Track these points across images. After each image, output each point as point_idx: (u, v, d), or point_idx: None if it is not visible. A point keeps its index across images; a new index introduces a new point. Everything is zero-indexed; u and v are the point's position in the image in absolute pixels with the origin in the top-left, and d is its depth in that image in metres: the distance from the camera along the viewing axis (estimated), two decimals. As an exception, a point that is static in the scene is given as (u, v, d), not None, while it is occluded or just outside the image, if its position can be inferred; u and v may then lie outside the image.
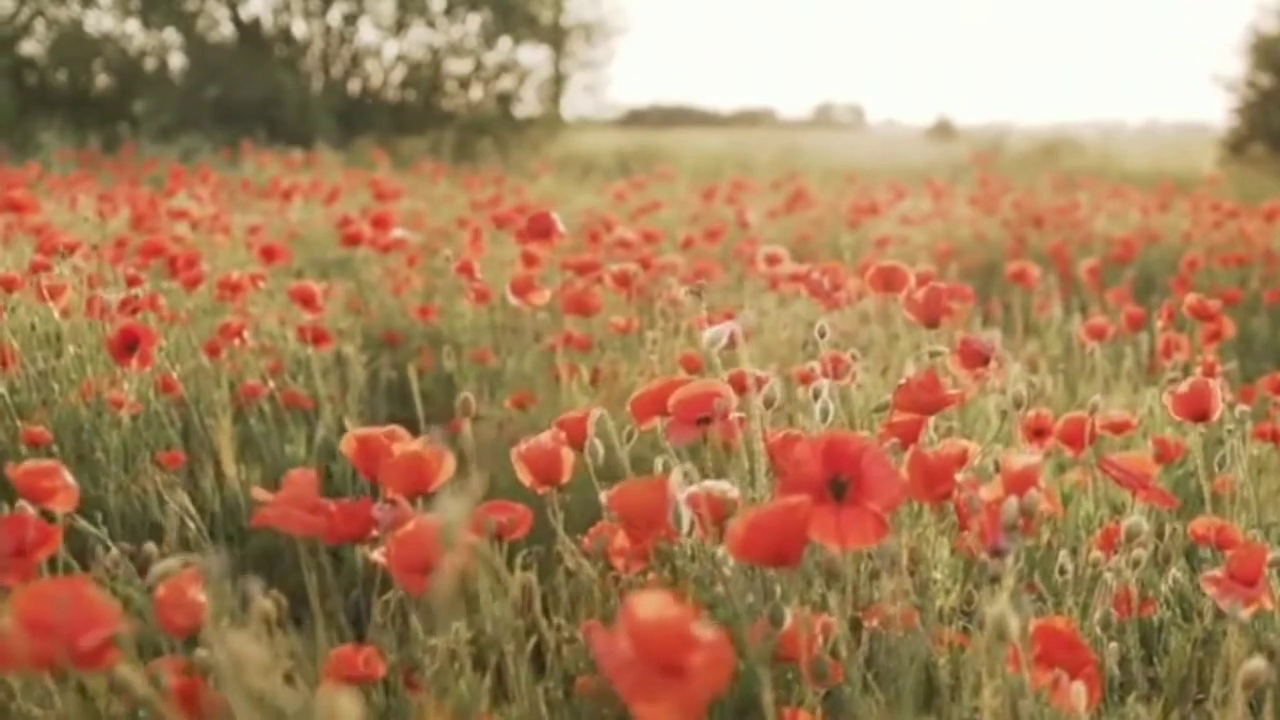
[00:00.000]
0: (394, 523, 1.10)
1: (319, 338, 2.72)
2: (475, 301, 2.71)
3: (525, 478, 1.25)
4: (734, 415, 1.28)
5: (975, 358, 1.75)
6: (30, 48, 16.88)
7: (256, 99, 15.23)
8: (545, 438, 1.23)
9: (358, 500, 1.11)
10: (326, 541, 1.12)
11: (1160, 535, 1.66)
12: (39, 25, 16.89)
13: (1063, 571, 1.24)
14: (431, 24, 18.33)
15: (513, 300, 2.30)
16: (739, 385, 2.04)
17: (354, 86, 17.93)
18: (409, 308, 3.43)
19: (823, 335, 1.43)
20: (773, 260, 3.18)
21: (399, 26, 18.18)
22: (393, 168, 9.77)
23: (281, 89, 15.65)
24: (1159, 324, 2.39)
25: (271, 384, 2.62)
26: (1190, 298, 2.20)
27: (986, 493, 1.05)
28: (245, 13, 17.30)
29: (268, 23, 17.43)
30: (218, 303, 2.91)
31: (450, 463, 1.18)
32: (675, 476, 1.04)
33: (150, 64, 16.97)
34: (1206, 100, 57.72)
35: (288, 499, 1.08)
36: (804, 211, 6.46)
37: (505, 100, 18.64)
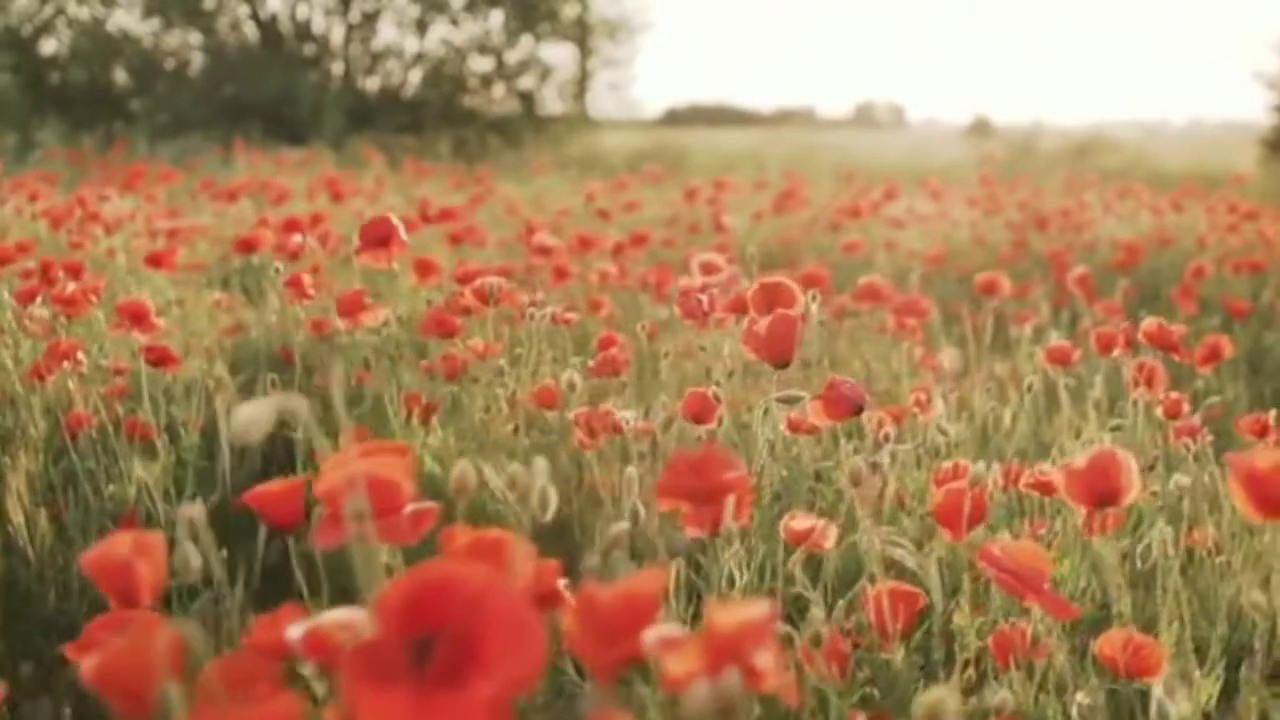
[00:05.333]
0: None
1: (162, 358, 2.37)
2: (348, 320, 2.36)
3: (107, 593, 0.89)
4: (414, 509, 0.92)
5: (843, 406, 1.37)
6: (50, 46, 16.79)
7: (272, 98, 15.02)
8: (121, 543, 0.86)
9: None
10: None
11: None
12: (60, 24, 16.80)
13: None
14: (454, 21, 18.06)
15: (338, 323, 1.95)
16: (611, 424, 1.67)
17: (373, 85, 17.69)
18: (308, 322, 3.08)
19: (572, 388, 1.06)
20: (708, 269, 2.81)
21: (420, 25, 17.92)
22: (388, 167, 9.47)
23: (297, 88, 15.44)
24: (1117, 351, 1.99)
25: (103, 413, 2.28)
26: (1148, 322, 1.81)
27: (679, 663, 0.68)
28: (264, 12, 17.13)
29: (287, 21, 17.24)
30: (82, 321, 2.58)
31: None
32: (164, 634, 0.67)
33: (169, 63, 16.83)
34: (1252, 98, 56.33)
35: None
36: (797, 213, 6.06)
37: (527, 98, 18.34)
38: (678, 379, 2.35)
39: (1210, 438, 1.97)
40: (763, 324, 1.32)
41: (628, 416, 1.34)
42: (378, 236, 1.96)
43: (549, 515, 0.91)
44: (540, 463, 0.90)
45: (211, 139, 11.49)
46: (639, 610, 0.71)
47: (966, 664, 1.15)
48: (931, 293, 4.11)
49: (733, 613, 0.68)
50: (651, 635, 0.70)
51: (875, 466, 1.13)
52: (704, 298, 1.80)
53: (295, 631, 0.82)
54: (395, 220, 1.95)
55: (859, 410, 1.36)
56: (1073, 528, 1.54)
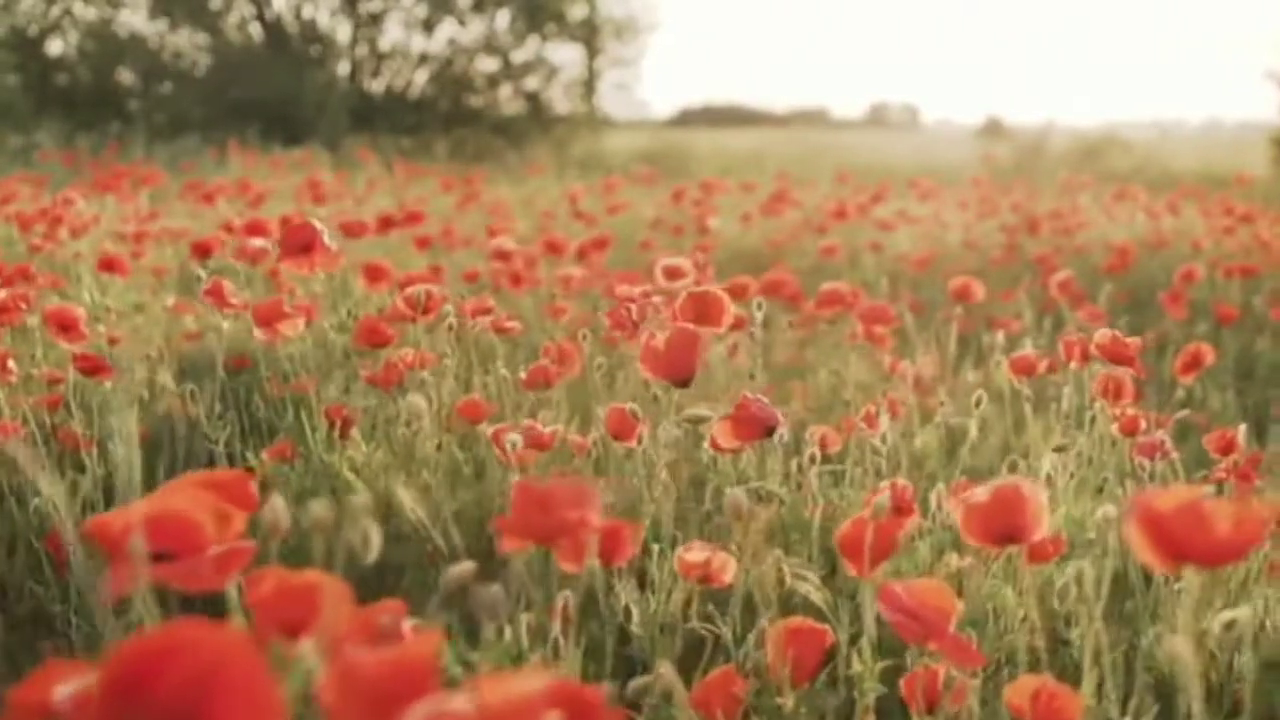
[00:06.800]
0: None
1: (94, 368, 2.29)
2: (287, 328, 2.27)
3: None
4: (221, 550, 0.83)
5: (753, 427, 1.28)
6: (57, 47, 16.80)
7: (277, 99, 14.98)
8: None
9: None
10: None
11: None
12: (66, 25, 16.80)
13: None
14: (461, 21, 18.00)
15: (257, 333, 1.86)
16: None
17: (379, 85, 17.65)
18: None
19: (419, 416, 0.96)
20: (672, 274, 2.72)
21: (427, 25, 17.87)
22: (385, 168, 9.40)
23: (302, 88, 15.40)
24: (1073, 363, 1.89)
25: (33, 423, 2.20)
26: (1101, 334, 1.71)
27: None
28: (270, 12, 17.10)
29: (292, 21, 17.21)
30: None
31: None
32: None
33: (175, 64, 16.82)
34: (1267, 97, 55.74)
35: None
36: (787, 215, 5.96)
37: (533, 99, 18.28)
38: (629, 391, 2.26)
39: (1176, 454, 1.88)
40: (660, 340, 1.22)
41: (514, 439, 1.25)
42: (299, 243, 1.87)
43: (371, 556, 0.82)
44: (362, 499, 0.82)
45: (210, 140, 11.43)
46: (409, 679, 0.62)
47: (867, 710, 1.06)
48: (918, 297, 4.01)
49: (506, 688, 0.59)
50: (420, 710, 0.61)
51: (770, 496, 1.04)
52: (633, 308, 1.70)
53: (62, 691, 0.73)
54: (319, 226, 1.86)
55: (770, 431, 1.26)
56: (1019, 553, 1.45)
